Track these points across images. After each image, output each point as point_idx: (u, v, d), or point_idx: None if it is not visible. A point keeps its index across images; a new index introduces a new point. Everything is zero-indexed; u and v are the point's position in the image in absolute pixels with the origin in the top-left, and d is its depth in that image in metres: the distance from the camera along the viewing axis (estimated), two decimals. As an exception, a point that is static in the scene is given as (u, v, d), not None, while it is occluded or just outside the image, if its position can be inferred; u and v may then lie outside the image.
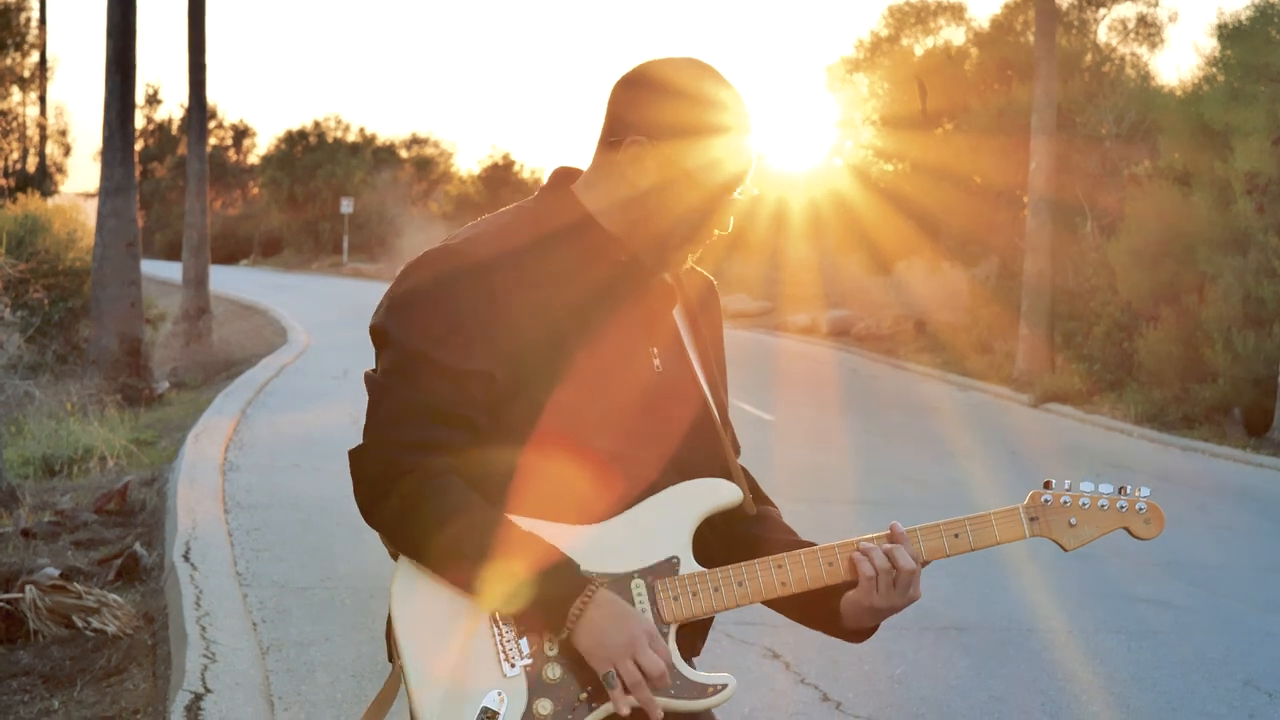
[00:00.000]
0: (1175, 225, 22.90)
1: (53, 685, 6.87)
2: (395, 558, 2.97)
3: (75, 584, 8.01)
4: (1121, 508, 3.11)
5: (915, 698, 7.54)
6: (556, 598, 2.80)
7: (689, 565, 2.93)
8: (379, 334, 2.92)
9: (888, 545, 3.01)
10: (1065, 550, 3.13)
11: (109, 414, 15.22)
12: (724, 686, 2.89)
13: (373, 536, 9.27)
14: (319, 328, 29.26)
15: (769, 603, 3.07)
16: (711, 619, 3.08)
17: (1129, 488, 3.13)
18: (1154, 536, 3.12)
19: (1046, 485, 3.12)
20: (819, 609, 3.10)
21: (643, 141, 2.91)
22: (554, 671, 2.85)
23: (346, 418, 16.20)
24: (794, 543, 3.11)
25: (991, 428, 21.03)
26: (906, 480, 14.95)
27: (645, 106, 2.93)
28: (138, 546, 9.32)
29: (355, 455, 2.92)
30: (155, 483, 11.97)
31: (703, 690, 2.88)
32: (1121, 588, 10.41)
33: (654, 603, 2.90)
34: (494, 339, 2.84)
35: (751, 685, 7.37)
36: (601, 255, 2.97)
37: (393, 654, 2.93)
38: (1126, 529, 3.12)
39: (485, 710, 2.83)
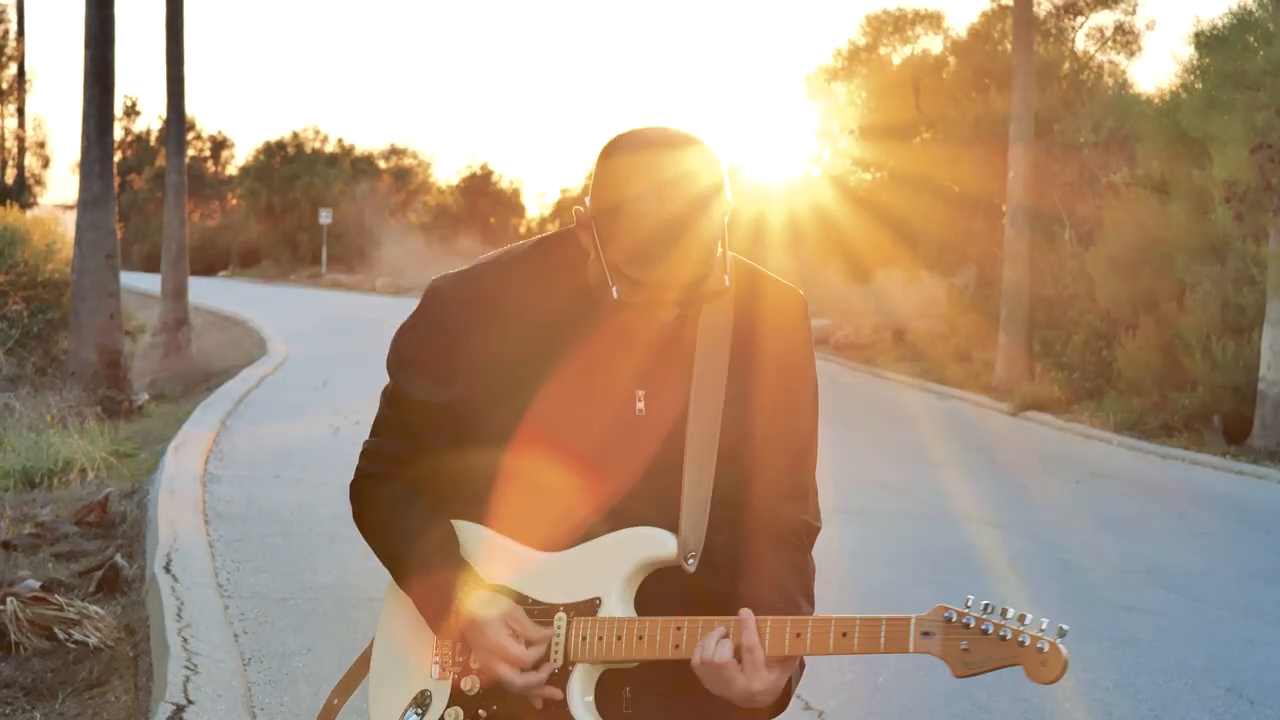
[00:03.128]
0: (1153, 233, 22.94)
1: (34, 697, 6.85)
2: None
3: (56, 596, 7.99)
4: (1022, 642, 2.79)
5: (897, 706, 7.55)
6: (431, 617, 3.04)
7: (609, 609, 2.93)
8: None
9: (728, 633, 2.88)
10: (954, 675, 2.88)
11: (88, 426, 15.18)
12: None
13: (353, 548, 9.27)
14: (298, 339, 29.22)
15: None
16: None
17: (1045, 624, 2.81)
18: (1050, 681, 2.79)
19: (966, 602, 2.88)
20: None
21: (581, 214, 2.93)
22: (470, 684, 2.99)
23: (326, 428, 16.18)
24: (766, 604, 2.97)
25: (971, 436, 21.06)
26: (886, 489, 14.97)
27: (595, 180, 2.92)
28: (119, 558, 9.30)
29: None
30: (135, 494, 11.95)
31: None
32: (1103, 595, 10.42)
33: (566, 639, 2.95)
34: (446, 375, 3.02)
35: (734, 694, 7.36)
36: (590, 293, 2.97)
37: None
38: (1021, 666, 2.80)
39: (418, 700, 3.02)
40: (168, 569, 9.12)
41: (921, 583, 10.20)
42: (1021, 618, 2.81)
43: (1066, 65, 31.25)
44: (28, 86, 50.97)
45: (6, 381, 17.73)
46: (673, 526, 2.95)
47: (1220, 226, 21.48)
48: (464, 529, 3.06)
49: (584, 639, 2.93)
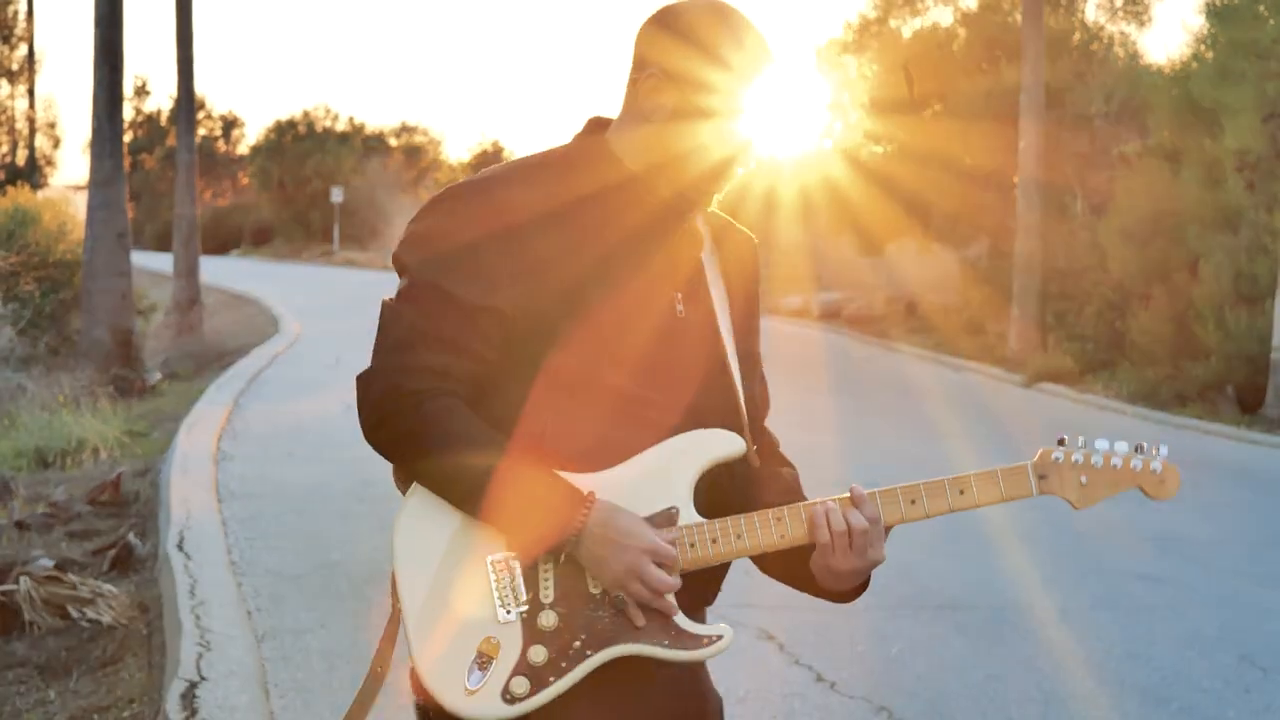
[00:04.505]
0: (1165, 204, 22.88)
1: (49, 676, 6.87)
2: (403, 492, 2.96)
3: (70, 575, 8.01)
4: (1135, 466, 3.07)
5: (910, 677, 7.55)
6: (556, 514, 2.82)
7: (688, 516, 2.91)
8: (398, 263, 2.97)
9: (848, 508, 2.99)
10: (1075, 508, 3.10)
11: (101, 405, 15.20)
12: (719, 638, 2.89)
13: (366, 523, 9.27)
14: (310, 316, 29.21)
15: (758, 562, 3.09)
16: (725, 570, 3.08)
17: (1146, 445, 3.07)
18: (1168, 497, 3.08)
19: (1060, 442, 3.08)
20: (803, 569, 3.08)
21: (660, 76, 2.95)
22: (549, 619, 2.85)
23: (339, 406, 16.19)
24: (788, 495, 3.11)
25: (984, 408, 21.03)
26: (900, 461, 14.95)
27: (665, 44, 2.96)
28: (132, 537, 9.32)
29: (362, 378, 2.94)
30: (148, 473, 11.97)
31: (697, 641, 2.87)
32: (1115, 565, 10.41)
33: None
34: (509, 278, 2.87)
35: (745, 666, 7.38)
36: (626, 197, 2.98)
37: (394, 596, 2.93)
38: (1140, 488, 3.08)
39: (480, 655, 2.83)
40: (181, 547, 9.14)
41: (935, 554, 10.20)
42: (1139, 447, 3.08)
43: (1077, 36, 31.18)
44: (37, 67, 51.02)
45: (19, 362, 17.76)
46: (730, 424, 3.01)
47: (1232, 196, 21.43)
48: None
49: (679, 548, 2.90)
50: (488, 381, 2.90)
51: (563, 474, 2.86)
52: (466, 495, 2.85)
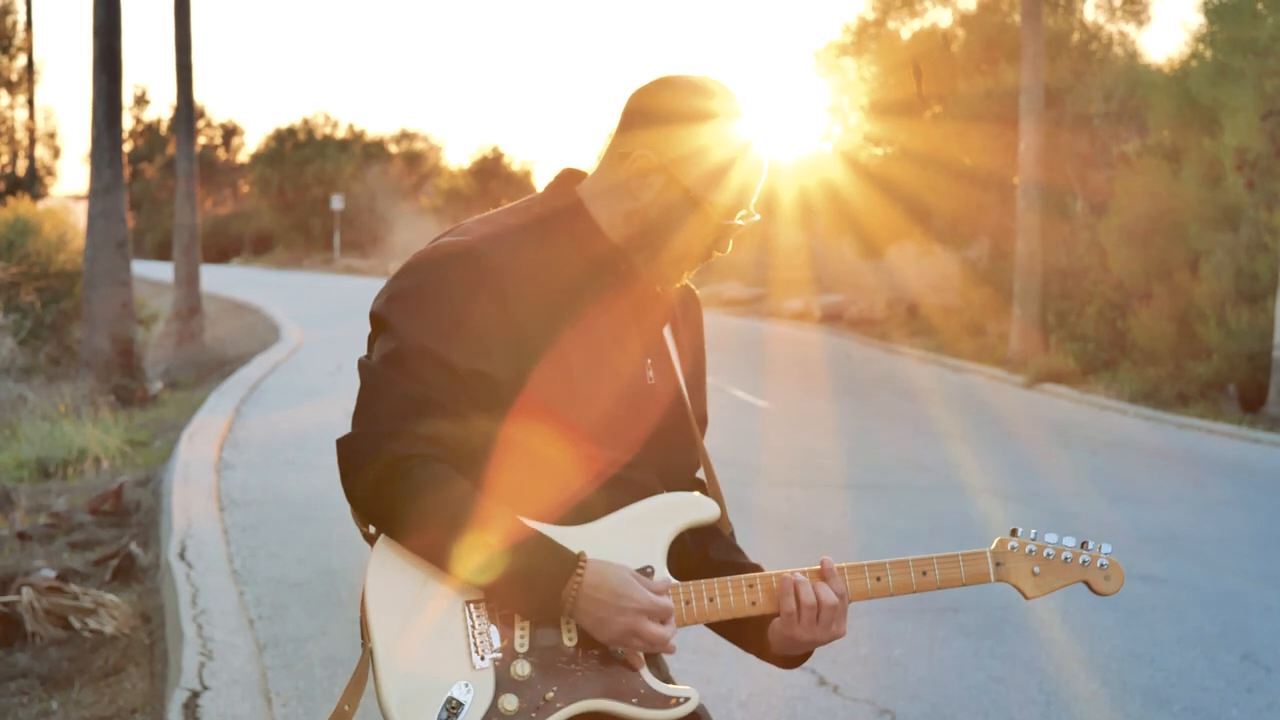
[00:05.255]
0: (1165, 203, 22.89)
1: (51, 686, 6.87)
2: (370, 542, 2.96)
3: (72, 585, 8.01)
4: (1084, 563, 3.20)
5: (913, 679, 7.55)
6: (546, 575, 2.83)
7: (662, 576, 2.95)
8: (380, 322, 2.93)
9: (817, 581, 3.04)
10: (1026, 598, 3.20)
11: (102, 415, 15.20)
12: (685, 699, 2.93)
13: (367, 530, 9.12)
14: (311, 324, 29.23)
15: (711, 624, 3.12)
16: None
17: (1090, 543, 3.20)
18: (1112, 593, 3.20)
19: (1013, 533, 3.19)
20: (756, 634, 3.13)
21: (650, 157, 2.94)
22: (522, 668, 2.86)
23: (340, 413, 16.18)
24: (747, 565, 3.17)
25: (986, 409, 21.04)
26: (902, 463, 14.95)
27: (658, 122, 2.96)
28: (133, 546, 9.31)
29: (345, 444, 2.91)
30: (150, 482, 11.97)
31: (665, 701, 2.92)
32: (1118, 565, 10.39)
33: None
34: (499, 342, 2.87)
35: (748, 670, 7.37)
36: (604, 265, 3.00)
37: (365, 636, 2.93)
38: (1086, 583, 3.20)
39: (450, 700, 2.83)
40: (182, 556, 9.14)
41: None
42: (1084, 544, 3.21)
43: (1076, 36, 31.17)
44: (37, 77, 51.02)
45: (20, 372, 17.76)
46: (699, 487, 3.14)
47: (1232, 194, 21.44)
48: None
49: None
50: (472, 443, 2.90)
51: (550, 528, 2.90)
52: (463, 564, 2.85)
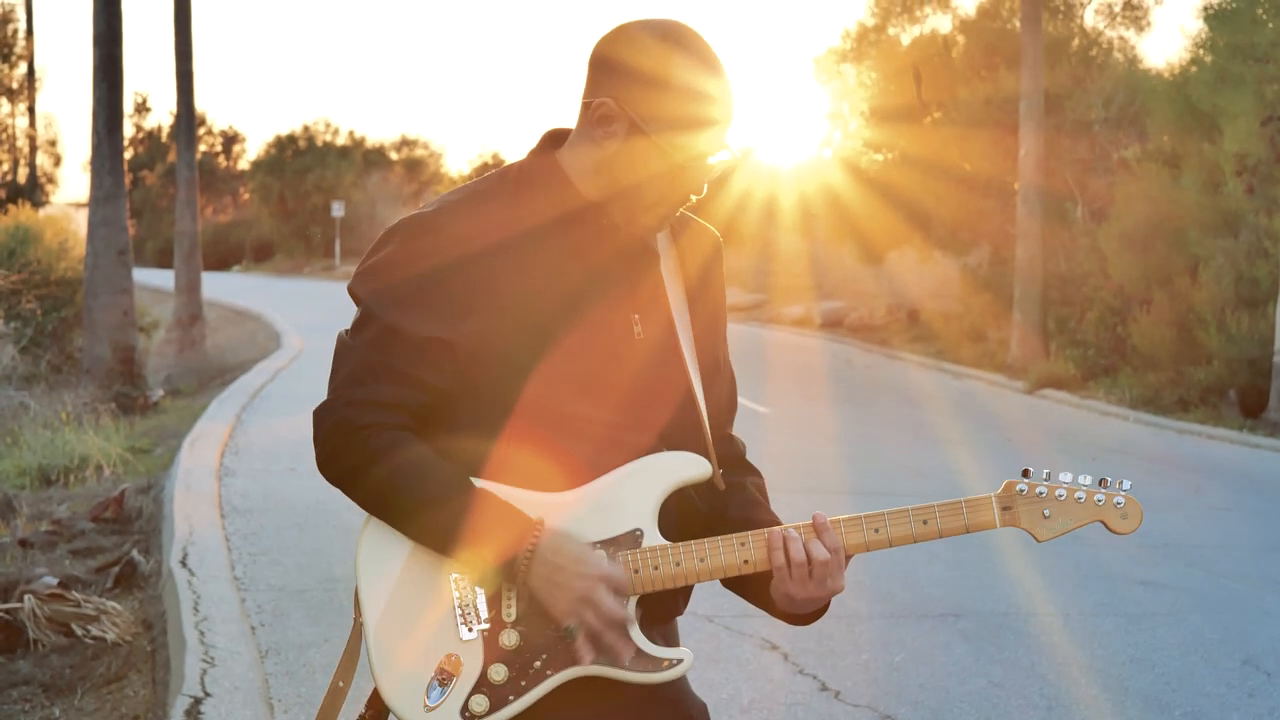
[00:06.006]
0: (1165, 209, 22.90)
1: (53, 694, 6.87)
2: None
3: (74, 592, 8.01)
4: (1099, 501, 3.06)
5: (914, 685, 7.55)
6: (503, 543, 2.82)
7: (652, 538, 2.92)
8: (352, 295, 2.97)
9: (810, 536, 2.98)
10: (1037, 541, 3.09)
11: (104, 423, 15.21)
12: (679, 661, 2.89)
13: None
14: (312, 331, 29.26)
15: (724, 581, 3.09)
16: (688, 591, 3.09)
17: (1110, 480, 3.07)
18: (1130, 531, 3.07)
19: (1025, 474, 3.06)
20: (762, 592, 3.09)
21: (610, 104, 2.90)
22: (511, 638, 2.86)
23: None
24: (763, 520, 3.09)
25: (986, 415, 21.05)
26: (902, 469, 14.96)
27: (617, 69, 2.91)
28: (135, 553, 9.32)
29: (317, 412, 2.95)
30: (151, 490, 11.98)
31: (656, 664, 2.88)
32: (1118, 570, 10.42)
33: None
34: (461, 309, 2.88)
35: (750, 676, 7.38)
36: (578, 220, 2.97)
37: (357, 609, 2.96)
38: (1102, 522, 3.07)
39: (440, 672, 2.85)
40: (184, 563, 9.15)
41: (936, 561, 10.21)
42: (1077, 479, 3.06)
43: (1076, 42, 31.20)
44: (38, 85, 51.02)
45: (21, 380, 17.76)
46: (691, 448, 2.99)
47: (1232, 200, 21.46)
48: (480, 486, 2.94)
49: (636, 572, 2.90)
50: (445, 410, 2.92)
51: (528, 493, 2.89)
52: (419, 530, 2.88)
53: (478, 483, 2.89)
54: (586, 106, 2.95)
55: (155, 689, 7.01)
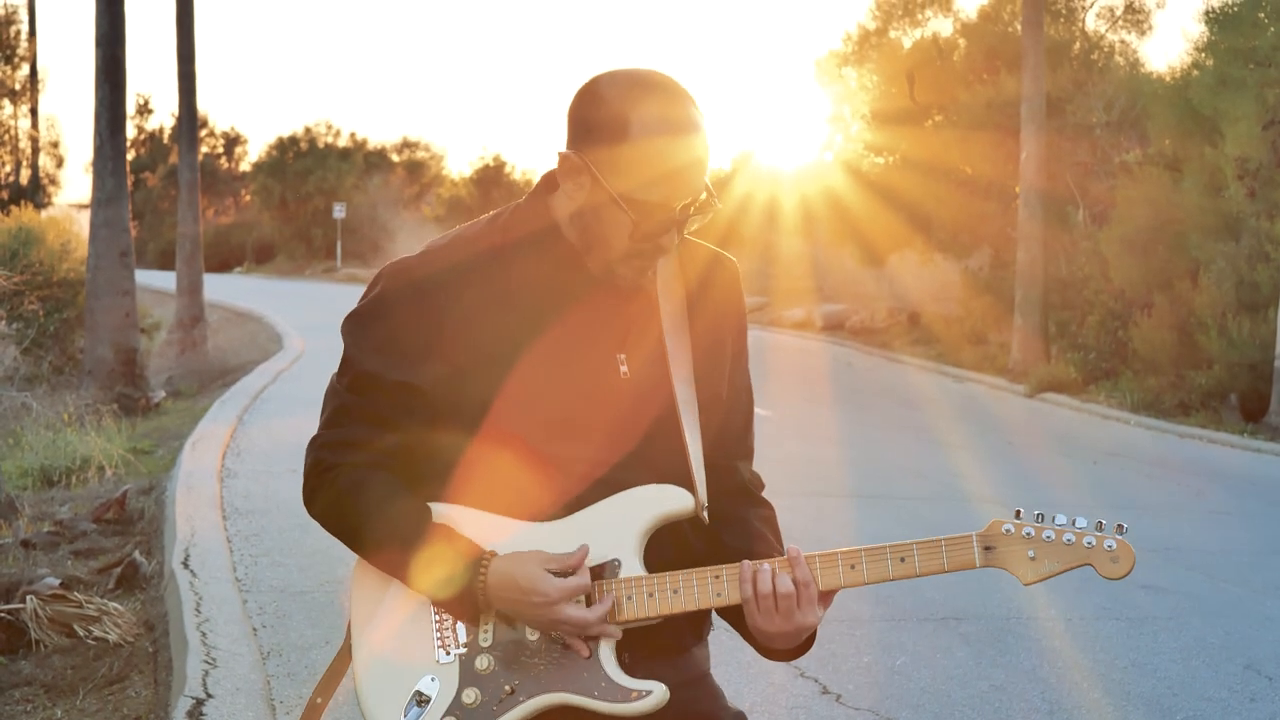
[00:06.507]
0: (1166, 212, 22.90)
1: (55, 694, 6.88)
2: None
3: (75, 593, 8.02)
4: (1089, 544, 3.00)
5: (915, 688, 7.56)
6: (456, 581, 2.90)
7: (631, 569, 2.93)
8: (342, 335, 3.09)
9: (784, 568, 2.96)
10: (1023, 584, 3.04)
11: (106, 424, 15.21)
12: (648, 694, 2.89)
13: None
14: (314, 333, 29.22)
15: (719, 612, 3.08)
16: (698, 624, 3.11)
17: (1105, 524, 3.02)
18: (1120, 577, 3.02)
19: (1017, 514, 3.02)
20: (743, 625, 3.09)
21: (573, 159, 2.91)
22: (485, 662, 2.91)
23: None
24: (759, 554, 3.08)
25: (987, 419, 21.04)
26: (903, 472, 14.96)
27: (580, 123, 2.92)
28: (137, 555, 9.33)
29: (306, 450, 3.11)
30: (153, 491, 11.98)
31: (625, 694, 2.89)
32: (1120, 575, 10.39)
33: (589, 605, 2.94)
34: (427, 354, 2.95)
35: (751, 679, 7.39)
36: (564, 264, 2.99)
37: (348, 629, 3.07)
38: (1091, 566, 3.02)
39: (418, 694, 2.91)
40: (186, 564, 9.15)
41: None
42: (1073, 520, 3.00)
43: (1077, 45, 31.21)
44: (40, 86, 51.05)
45: (24, 381, 17.76)
46: (676, 483, 2.98)
47: (1233, 204, 21.45)
48: (444, 511, 2.99)
49: (616, 602, 2.92)
50: (427, 447, 2.99)
51: (510, 522, 2.95)
52: (384, 566, 3.01)
53: (449, 509, 2.97)
54: (559, 159, 2.97)
55: (157, 690, 7.01)
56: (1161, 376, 22.13)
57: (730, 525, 3.12)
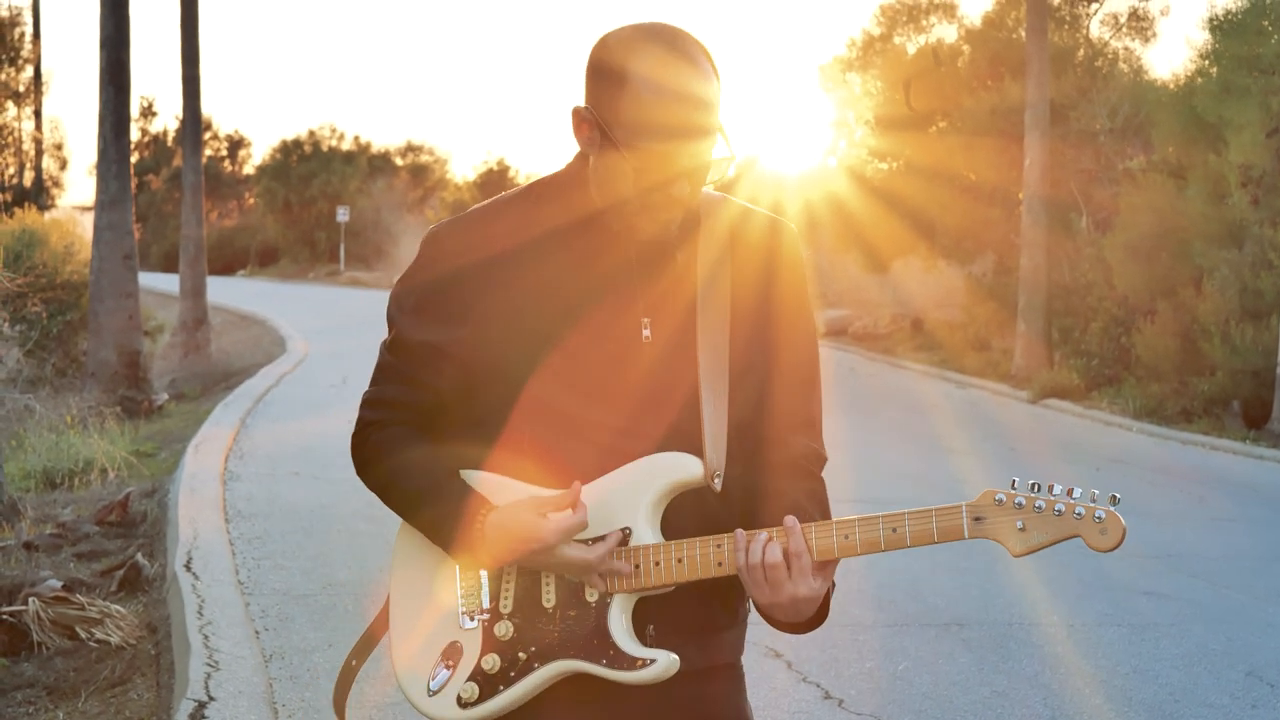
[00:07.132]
0: (1170, 220, 22.88)
1: (57, 697, 6.89)
2: None
3: (78, 595, 8.03)
4: (1078, 514, 2.92)
5: (917, 694, 7.56)
6: (453, 519, 2.94)
7: (641, 537, 2.92)
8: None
9: (773, 538, 2.92)
10: (1012, 555, 2.97)
11: (109, 426, 15.23)
12: (653, 661, 2.87)
13: (373, 542, 9.31)
14: (317, 336, 29.24)
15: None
16: (729, 600, 3.07)
17: (1097, 494, 2.95)
18: (1109, 548, 2.94)
19: (1013, 483, 2.96)
20: None
21: (582, 111, 2.92)
22: (504, 629, 2.94)
23: (346, 425, 15.90)
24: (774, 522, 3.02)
25: (990, 425, 21.04)
26: (906, 478, 14.96)
27: (590, 74, 2.93)
28: (139, 557, 9.34)
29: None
30: (156, 493, 11.99)
31: (632, 662, 2.88)
32: (1121, 581, 10.42)
33: None
34: (453, 317, 2.99)
35: (753, 684, 7.33)
36: (591, 225, 2.99)
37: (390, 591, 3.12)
38: (1080, 538, 2.94)
39: (445, 657, 2.96)
40: (188, 567, 9.16)
41: (939, 569, 10.21)
42: (1070, 491, 2.93)
43: (1081, 52, 31.17)
44: (44, 89, 51.06)
45: (26, 383, 17.77)
46: (691, 451, 2.95)
47: (1237, 211, 21.43)
48: (471, 476, 2.99)
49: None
50: (456, 409, 3.04)
51: (527, 486, 2.95)
52: (415, 523, 3.04)
53: (471, 474, 2.99)
54: (571, 114, 2.97)
55: (159, 693, 7.02)
56: (1164, 383, 22.12)
57: (768, 499, 3.05)
